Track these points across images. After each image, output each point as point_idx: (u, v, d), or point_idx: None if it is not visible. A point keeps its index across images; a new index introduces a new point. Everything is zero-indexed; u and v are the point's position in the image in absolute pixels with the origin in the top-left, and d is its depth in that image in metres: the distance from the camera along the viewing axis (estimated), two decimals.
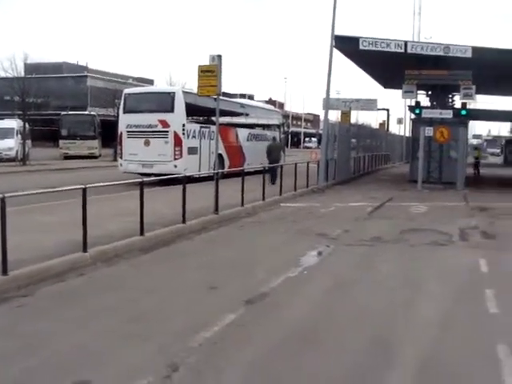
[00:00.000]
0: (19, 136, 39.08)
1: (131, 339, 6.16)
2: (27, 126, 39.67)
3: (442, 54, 23.71)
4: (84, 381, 5.08)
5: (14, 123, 40.79)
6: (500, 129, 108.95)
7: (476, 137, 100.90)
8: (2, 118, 43.28)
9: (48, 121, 53.10)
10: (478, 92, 28.80)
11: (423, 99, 28.55)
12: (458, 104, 27.59)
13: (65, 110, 51.35)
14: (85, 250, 9.35)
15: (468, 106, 27.26)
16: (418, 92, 27.25)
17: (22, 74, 39.22)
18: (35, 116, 42.77)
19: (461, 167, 25.87)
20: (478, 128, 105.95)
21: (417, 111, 27.29)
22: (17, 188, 14.82)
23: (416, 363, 5.73)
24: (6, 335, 6.24)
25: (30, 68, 42.36)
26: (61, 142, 46.80)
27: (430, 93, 27.96)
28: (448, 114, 25.82)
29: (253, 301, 7.61)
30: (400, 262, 10.56)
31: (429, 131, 25.01)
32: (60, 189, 11.25)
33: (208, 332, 6.31)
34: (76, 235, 9.44)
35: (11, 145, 39.51)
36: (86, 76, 69.09)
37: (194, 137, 23.94)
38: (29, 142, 40.39)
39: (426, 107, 27.48)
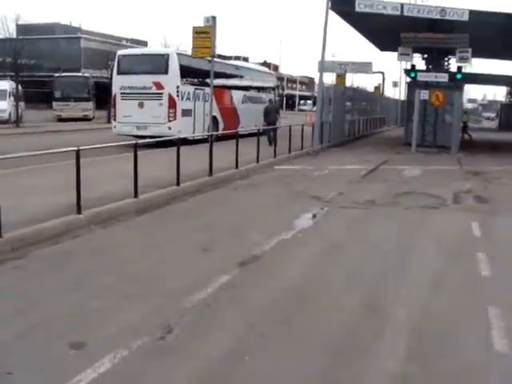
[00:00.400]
0: (12, 98, 38.75)
1: (125, 300, 6.21)
2: (20, 87, 39.30)
3: (438, 17, 23.46)
4: (78, 342, 5.12)
5: (6, 85, 40.38)
6: (496, 93, 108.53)
7: (471, 101, 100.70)
8: None
9: (41, 82, 52.61)
10: (474, 56, 28.55)
11: (419, 62, 28.36)
12: (453, 68, 27.43)
13: (58, 71, 50.85)
14: (79, 212, 9.35)
15: (464, 70, 27.07)
16: (414, 55, 27.02)
17: (14, 36, 38.77)
18: (28, 78, 42.38)
19: (455, 131, 25.88)
20: (474, 92, 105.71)
21: (412, 74, 27.13)
22: (10, 150, 14.75)
23: (406, 324, 5.80)
24: (1, 297, 6.27)
25: (22, 29, 41.85)
26: (54, 104, 46.44)
27: (425, 56, 27.75)
28: (443, 78, 25.66)
29: (246, 263, 7.65)
30: (393, 224, 10.61)
31: (424, 95, 24.94)
32: (53, 151, 11.16)
33: (201, 293, 6.35)
34: (70, 198, 9.43)
35: (4, 107, 39.18)
36: (79, 37, 68.22)
37: (188, 99, 23.79)
38: (22, 103, 40.05)
39: (422, 70, 27.29)
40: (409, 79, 30.53)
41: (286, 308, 6.17)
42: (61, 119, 43.84)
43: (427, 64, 27.73)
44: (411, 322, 5.84)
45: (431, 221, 11.05)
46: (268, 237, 9.04)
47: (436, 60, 27.20)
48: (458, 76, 26.26)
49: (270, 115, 24.75)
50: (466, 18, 23.05)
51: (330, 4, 23.44)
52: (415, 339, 5.46)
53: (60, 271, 7.17)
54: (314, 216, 11.22)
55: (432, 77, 25.90)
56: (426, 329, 5.72)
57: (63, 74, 49.06)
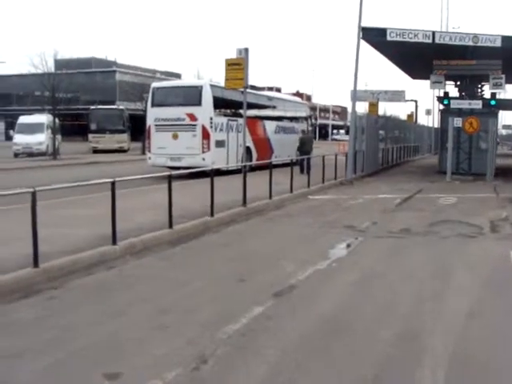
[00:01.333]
0: (49, 131, 39.66)
1: (161, 331, 6.22)
2: (57, 120, 40.16)
3: (470, 43, 23.38)
4: (114, 373, 5.14)
5: (43, 118, 41.36)
6: None
7: (506, 127, 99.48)
8: (33, 113, 43.90)
9: (77, 115, 53.75)
10: (508, 82, 28.37)
11: (452, 89, 28.26)
12: (487, 94, 27.23)
13: (94, 104, 51.92)
14: (114, 242, 9.44)
15: (498, 96, 26.85)
16: (447, 82, 26.96)
17: (52, 70, 39.72)
18: (65, 111, 43.29)
19: (490, 158, 25.54)
20: (509, 118, 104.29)
21: (445, 102, 27.04)
22: (47, 182, 15.02)
23: (445, 354, 5.68)
24: (37, 327, 6.33)
25: (60, 64, 42.90)
26: (90, 136, 47.32)
27: (458, 83, 27.64)
28: (477, 105, 25.49)
29: (281, 293, 7.61)
30: (429, 254, 10.46)
31: (458, 122, 24.74)
32: (89, 182, 11.36)
33: (236, 324, 6.33)
34: (105, 228, 9.55)
35: (41, 139, 40.08)
36: (115, 71, 69.70)
37: (221, 130, 24.01)
38: (59, 136, 40.91)
39: (455, 98, 27.19)
40: (442, 106, 30.37)
41: (321, 338, 6.10)
42: (96, 151, 44.62)
43: (460, 91, 27.60)
44: (450, 353, 5.72)
45: (468, 250, 10.87)
46: (302, 267, 8.99)
47: (469, 87, 27.07)
48: (492, 102, 26.09)
49: (305, 145, 25.06)
50: (498, 44, 22.93)
51: (361, 34, 23.51)
52: (454, 370, 5.35)
53: (95, 302, 7.22)
54: (349, 246, 11.14)
55: (465, 104, 25.76)
56: (465, 360, 5.60)
57: (99, 107, 50.03)
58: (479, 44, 23.26)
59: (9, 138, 49.08)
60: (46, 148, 39.48)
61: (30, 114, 43.57)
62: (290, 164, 18.45)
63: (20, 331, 6.23)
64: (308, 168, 21.24)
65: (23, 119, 42.52)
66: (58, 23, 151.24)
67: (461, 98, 26.93)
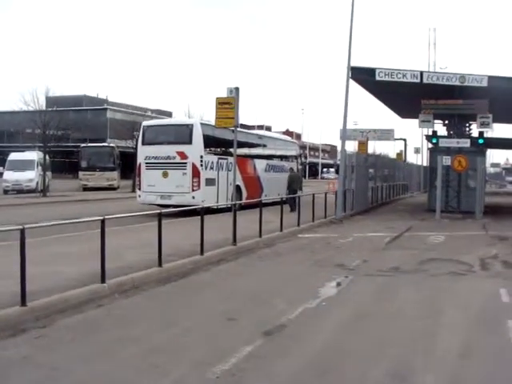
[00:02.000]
0: (39, 168, 39.63)
1: (149, 371, 6.15)
2: (47, 157, 40.18)
3: (457, 83, 23.73)
4: None
5: (34, 155, 41.38)
6: None
7: (494, 165, 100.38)
8: (23, 151, 43.91)
9: (68, 152, 53.80)
10: (495, 121, 28.70)
11: (440, 128, 28.55)
12: (475, 133, 27.53)
13: (84, 141, 52.01)
14: (103, 281, 9.38)
15: (485, 135, 27.14)
16: (435, 121, 27.24)
17: (44, 107, 39.85)
18: (55, 148, 43.30)
19: (479, 196, 25.70)
20: (496, 156, 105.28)
21: (434, 140, 27.29)
22: (37, 219, 14.98)
23: None
24: (25, 366, 6.25)
25: (52, 101, 43.05)
26: (80, 173, 47.32)
27: (446, 122, 27.93)
28: (465, 143, 25.74)
29: (271, 332, 7.57)
30: (419, 292, 10.45)
31: (446, 160, 24.95)
32: (79, 220, 11.37)
33: (226, 364, 6.27)
34: (94, 266, 9.50)
35: (31, 176, 40.02)
36: (106, 109, 70.02)
37: (211, 168, 24.08)
38: (49, 173, 40.90)
39: (443, 136, 27.45)
40: (430, 145, 30.63)
41: (311, 379, 6.06)
42: (86, 188, 44.55)
43: (448, 130, 27.87)
44: None
45: (458, 288, 10.87)
46: (293, 306, 8.95)
47: (457, 126, 27.35)
48: (480, 141, 26.35)
49: (294, 183, 25.26)
50: (485, 83, 23.27)
51: (350, 74, 23.81)
52: None
53: (83, 341, 7.14)
54: (339, 284, 11.11)
55: (454, 142, 26.01)
56: None
57: (89, 145, 50.13)
58: (466, 84, 23.60)
59: None
60: (36, 185, 39.42)
61: (21, 151, 43.59)
62: (280, 202, 18.50)
63: (7, 370, 6.15)
64: (295, 206, 21.23)
65: (14, 156, 42.52)
66: (50, 61, 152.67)
67: (449, 136, 27.20)
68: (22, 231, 7.87)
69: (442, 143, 26.41)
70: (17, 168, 40.07)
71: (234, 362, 6.36)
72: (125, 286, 9.84)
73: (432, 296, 10.10)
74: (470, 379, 6.13)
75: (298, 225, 19.02)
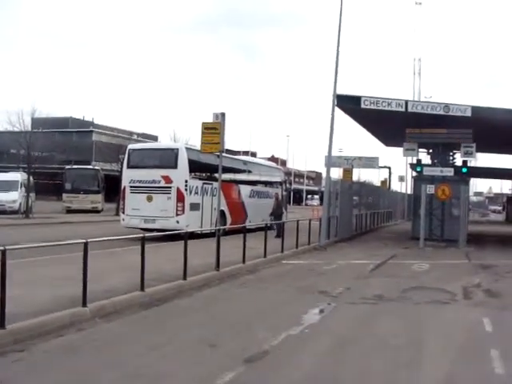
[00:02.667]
0: (23, 189, 39.35)
1: None
2: (31, 179, 39.94)
3: (442, 112, 24.01)
4: None
5: (18, 176, 41.09)
6: (502, 186, 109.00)
7: (477, 194, 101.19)
8: (7, 171, 43.64)
9: (52, 174, 53.47)
10: (479, 150, 29.03)
11: (424, 157, 28.82)
12: (458, 162, 27.78)
13: (69, 163, 51.80)
14: (84, 304, 9.27)
15: (469, 164, 27.42)
16: (419, 150, 27.49)
17: (29, 128, 39.75)
18: (40, 169, 43.11)
19: (463, 225, 25.86)
20: (480, 185, 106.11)
21: (418, 169, 27.49)
22: (18, 241, 14.81)
23: None
24: None
25: (37, 122, 42.96)
26: (64, 195, 46.98)
27: (431, 151, 28.20)
28: (449, 172, 25.97)
29: (252, 359, 7.50)
30: (402, 320, 10.43)
31: (430, 189, 25.12)
32: (61, 243, 11.26)
33: None
34: (76, 289, 9.39)
35: (15, 197, 39.69)
36: (92, 131, 69.93)
37: (196, 193, 24.04)
38: (32, 195, 40.58)
39: (427, 165, 27.69)
40: (415, 173, 30.85)
41: None
42: (70, 211, 44.21)
43: (432, 158, 28.11)
44: None
45: (441, 316, 10.86)
46: (275, 332, 8.88)
47: (441, 154, 27.59)
48: (464, 170, 26.60)
49: (277, 210, 25.59)
50: (468, 113, 23.57)
51: (336, 101, 23.99)
52: None
53: (63, 366, 7.03)
54: (322, 311, 11.06)
55: (437, 171, 26.23)
56: None
57: (74, 167, 49.93)
58: (450, 113, 23.88)
59: None
60: (19, 206, 39.08)
61: (5, 172, 43.30)
62: (264, 228, 18.47)
63: None
64: (281, 231, 21.13)
65: None
66: (37, 82, 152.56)
67: (433, 165, 27.42)
68: (3, 252, 7.77)
69: (426, 172, 26.64)
70: (0, 188, 39.77)
71: None
72: (106, 309, 9.73)
73: (415, 325, 10.09)
74: None
75: (282, 251, 18.98)
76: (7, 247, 7.94)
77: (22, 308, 8.61)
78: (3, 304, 7.68)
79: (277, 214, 25.67)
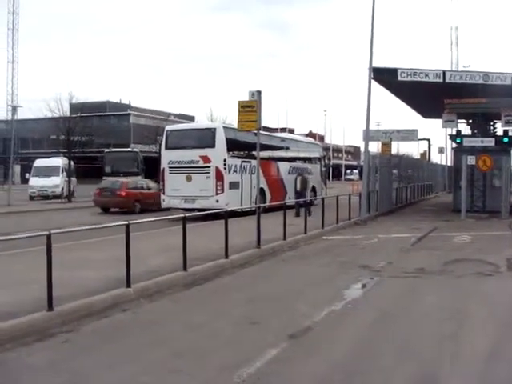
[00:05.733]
0: (64, 173, 40.06)
1: (175, 375, 6.17)
2: (72, 163, 40.56)
3: (481, 82, 23.50)
4: None
5: (59, 161, 41.80)
6: None
7: None
8: (48, 157, 44.39)
9: (92, 158, 54.13)
10: None
11: (464, 128, 28.30)
12: (499, 131, 27.24)
13: (108, 147, 52.34)
14: (128, 285, 9.43)
15: (510, 133, 26.84)
16: (459, 121, 27.04)
17: (68, 114, 40.28)
18: (80, 154, 43.71)
19: (505, 195, 25.41)
20: None
21: (458, 140, 27.07)
22: (62, 225, 15.11)
23: None
24: (52, 371, 6.31)
25: (75, 107, 43.48)
26: (104, 178, 47.59)
27: (470, 121, 27.72)
28: (490, 142, 25.50)
29: (296, 335, 7.55)
30: (445, 293, 10.36)
31: (471, 160, 24.72)
32: (104, 225, 11.44)
33: (251, 367, 6.27)
34: (119, 271, 9.56)
35: (57, 182, 40.43)
36: (129, 114, 70.53)
37: (235, 171, 24.13)
38: (74, 179, 41.26)
39: (467, 136, 27.23)
40: (455, 145, 30.39)
41: (336, 382, 6.02)
42: None
43: (472, 129, 27.64)
44: None
45: (485, 289, 10.75)
46: (318, 308, 8.92)
47: (481, 124, 27.11)
48: (505, 140, 26.08)
49: (301, 186, 25.23)
50: (509, 81, 23.04)
51: (372, 74, 23.69)
52: None
53: (109, 345, 7.19)
54: (364, 286, 11.06)
55: (478, 142, 25.78)
56: None
57: (113, 150, 50.40)
58: (490, 82, 23.37)
59: (25, 180, 49.61)
60: (61, 191, 39.80)
61: (46, 157, 44.06)
62: (304, 205, 18.44)
63: (33, 375, 6.22)
64: (308, 210, 19.75)
65: (39, 162, 43.00)
66: (74, 67, 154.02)
67: (473, 135, 26.97)
68: (49, 237, 7.95)
69: (466, 142, 26.20)
70: (42, 174, 40.51)
71: (258, 365, 6.35)
72: (150, 290, 9.88)
73: (458, 297, 10.00)
74: (497, 380, 6.05)
75: (323, 227, 18.97)
76: (52, 231, 8.12)
77: (68, 290, 8.80)
78: (50, 286, 7.86)
79: (301, 192, 24.96)
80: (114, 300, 9.04)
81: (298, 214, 21.48)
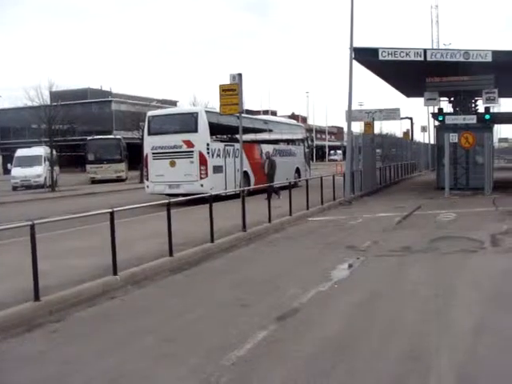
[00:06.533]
0: (47, 163, 39.76)
1: (165, 360, 6.19)
2: (54, 152, 40.25)
3: (462, 59, 23.57)
4: None
5: (41, 150, 41.46)
6: None
7: (502, 140, 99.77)
8: (30, 146, 44.02)
9: (75, 146, 53.85)
10: (501, 95, 28.53)
11: (446, 106, 28.41)
12: (481, 109, 27.39)
13: (90, 134, 52.08)
14: (115, 273, 9.42)
15: (492, 110, 26.98)
16: (441, 99, 27.15)
17: (48, 102, 39.90)
18: (62, 142, 43.37)
19: (488, 172, 25.59)
20: (505, 131, 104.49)
21: (440, 118, 27.16)
22: (46, 214, 15.03)
23: (451, 374, 5.65)
24: (41, 361, 6.30)
25: (56, 96, 43.08)
26: (88, 166, 47.42)
27: (452, 99, 27.84)
28: (472, 120, 25.64)
29: (284, 317, 7.59)
30: (431, 270, 10.44)
31: (453, 137, 24.84)
32: (88, 213, 11.38)
33: (241, 350, 6.30)
34: (105, 259, 9.54)
35: (39, 172, 40.12)
36: (110, 101, 70.06)
37: (218, 155, 24.09)
38: (56, 168, 40.98)
39: (450, 113, 27.34)
40: (437, 123, 30.52)
41: (326, 362, 6.06)
42: (94, 181, 44.67)
43: (454, 107, 27.76)
44: (455, 373, 5.68)
45: (470, 265, 10.85)
46: (305, 289, 8.97)
47: (463, 102, 27.24)
48: (487, 117, 26.21)
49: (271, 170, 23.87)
50: (489, 58, 23.12)
51: (353, 55, 23.66)
52: None
53: (97, 334, 7.18)
54: (350, 266, 11.11)
55: (460, 119, 25.91)
56: (470, 377, 5.56)
57: (95, 137, 50.18)
58: (470, 60, 23.44)
59: (7, 171, 49.19)
60: (45, 180, 39.52)
61: (28, 147, 43.68)
62: (288, 187, 18.47)
63: (23, 365, 6.20)
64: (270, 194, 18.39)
65: (21, 152, 42.57)
66: (52, 55, 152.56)
67: (455, 113, 27.07)
68: (32, 227, 7.90)
69: (449, 120, 26.31)
70: (24, 164, 40.14)
71: (248, 347, 6.39)
72: (137, 276, 9.87)
73: (444, 274, 10.08)
74: (484, 357, 6.12)
75: (307, 208, 19.01)
76: (35, 221, 8.06)
77: (55, 280, 8.79)
78: (36, 277, 7.83)
79: (269, 175, 23.38)
80: (102, 288, 9.03)
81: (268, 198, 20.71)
